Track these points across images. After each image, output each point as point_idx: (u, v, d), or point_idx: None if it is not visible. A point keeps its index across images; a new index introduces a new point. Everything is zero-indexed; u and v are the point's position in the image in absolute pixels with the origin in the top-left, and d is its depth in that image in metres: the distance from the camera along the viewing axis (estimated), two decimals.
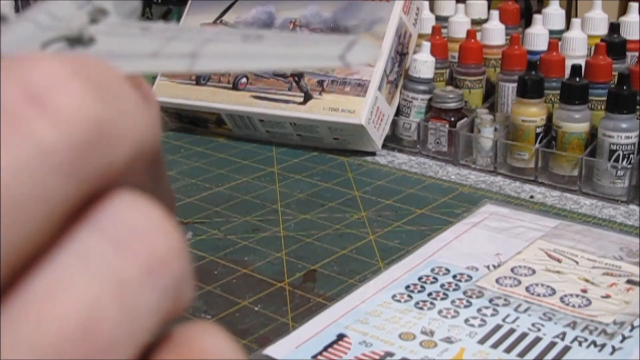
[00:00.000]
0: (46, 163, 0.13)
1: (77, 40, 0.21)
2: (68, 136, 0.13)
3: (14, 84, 0.13)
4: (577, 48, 0.95)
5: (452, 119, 0.96)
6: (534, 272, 0.66)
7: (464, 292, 0.63)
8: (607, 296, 0.63)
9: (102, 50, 0.21)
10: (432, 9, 1.11)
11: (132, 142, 0.14)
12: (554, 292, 0.63)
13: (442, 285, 0.65)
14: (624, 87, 0.83)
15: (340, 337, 0.58)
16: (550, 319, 0.59)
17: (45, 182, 0.13)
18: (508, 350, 0.56)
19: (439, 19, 1.09)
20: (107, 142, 0.14)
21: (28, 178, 0.13)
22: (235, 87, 1.03)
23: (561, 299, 0.62)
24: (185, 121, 1.08)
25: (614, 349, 0.56)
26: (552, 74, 0.90)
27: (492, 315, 0.60)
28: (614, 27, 0.97)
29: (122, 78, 0.15)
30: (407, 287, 0.65)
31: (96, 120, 0.14)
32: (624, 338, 0.57)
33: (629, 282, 0.65)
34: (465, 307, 0.61)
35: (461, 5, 1.08)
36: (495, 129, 0.93)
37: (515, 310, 0.61)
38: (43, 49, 0.20)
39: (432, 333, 0.58)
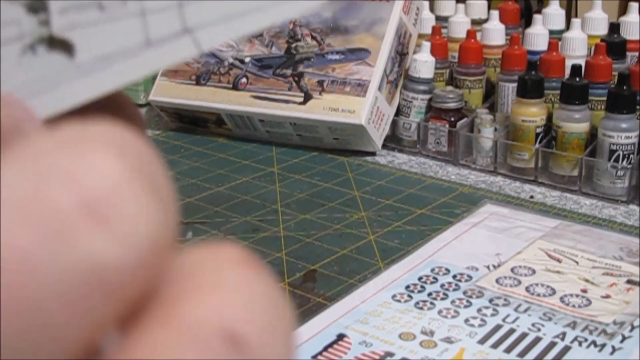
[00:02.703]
0: (94, 285, 0.11)
1: (52, 43, 0.21)
2: (128, 258, 0.11)
3: (64, 185, 0.11)
4: (577, 48, 0.95)
5: (452, 119, 0.96)
6: (534, 272, 0.66)
7: (464, 292, 0.63)
8: (607, 296, 0.63)
9: (89, 57, 0.20)
10: (432, 9, 1.11)
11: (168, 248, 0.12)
12: (554, 292, 0.63)
13: (442, 285, 0.65)
14: (624, 87, 0.83)
15: (340, 337, 0.58)
16: (550, 319, 0.59)
17: (86, 303, 0.11)
18: (508, 350, 0.56)
19: (439, 19, 1.09)
20: (159, 260, 0.12)
21: (66, 299, 0.11)
22: (235, 87, 1.03)
23: (561, 299, 0.62)
24: (185, 121, 1.08)
25: (614, 349, 0.56)
26: (552, 74, 0.90)
27: (492, 315, 0.60)
28: (614, 27, 0.97)
29: (161, 165, 0.13)
30: (407, 287, 0.65)
31: (158, 239, 0.12)
32: (624, 338, 0.57)
33: (629, 282, 0.65)
34: (465, 307, 0.61)
35: (461, 5, 1.08)
36: (495, 129, 0.93)
37: (515, 310, 0.61)
38: (24, 59, 0.20)
39: (432, 333, 0.58)
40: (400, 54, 1.02)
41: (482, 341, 0.57)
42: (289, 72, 1.01)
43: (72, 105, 0.20)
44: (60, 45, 0.21)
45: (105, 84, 0.20)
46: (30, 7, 0.21)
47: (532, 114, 0.89)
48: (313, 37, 1.02)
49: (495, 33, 1.01)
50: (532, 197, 0.85)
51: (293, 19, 1.00)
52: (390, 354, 0.55)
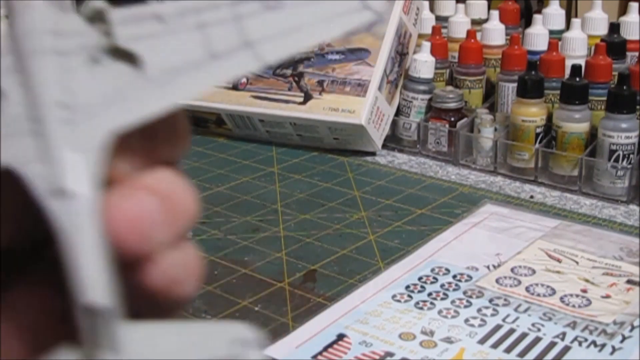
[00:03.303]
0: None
1: (117, 53, 0.21)
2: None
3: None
4: (577, 48, 0.95)
5: (452, 119, 0.96)
6: (534, 272, 0.66)
7: (464, 292, 0.63)
8: (607, 296, 0.63)
9: (157, 69, 0.21)
10: (432, 9, 1.11)
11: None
12: (554, 292, 0.63)
13: (442, 285, 0.65)
14: (624, 87, 0.83)
15: (340, 337, 0.58)
16: (550, 319, 0.59)
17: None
18: (508, 350, 0.56)
19: (439, 19, 1.09)
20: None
21: None
22: (235, 87, 1.03)
23: (561, 299, 0.62)
24: None
25: (614, 349, 0.56)
26: (552, 74, 0.90)
27: (492, 315, 0.60)
28: (614, 27, 0.97)
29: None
30: (407, 287, 0.65)
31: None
32: (624, 338, 0.57)
33: (629, 282, 0.65)
34: (465, 307, 0.61)
35: (461, 5, 1.08)
36: (495, 129, 0.93)
37: (515, 310, 0.61)
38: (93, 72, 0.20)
39: (432, 333, 0.58)
40: (400, 54, 1.02)
41: (482, 341, 0.57)
42: (289, 72, 1.01)
43: (144, 118, 0.20)
44: (126, 56, 0.21)
45: (173, 97, 0.20)
46: (91, 17, 0.21)
47: (532, 114, 0.89)
48: None
49: (495, 33, 1.01)
50: (532, 197, 0.85)
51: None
52: (390, 354, 0.55)
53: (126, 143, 0.20)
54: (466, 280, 0.65)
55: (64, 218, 0.19)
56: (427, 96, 0.99)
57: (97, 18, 0.21)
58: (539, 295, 0.63)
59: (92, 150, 0.19)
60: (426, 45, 1.00)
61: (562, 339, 0.57)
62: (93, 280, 0.18)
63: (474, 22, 1.07)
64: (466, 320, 0.59)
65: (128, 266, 0.19)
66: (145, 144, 0.21)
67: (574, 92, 0.85)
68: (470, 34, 0.99)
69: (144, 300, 0.20)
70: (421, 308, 0.61)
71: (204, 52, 0.21)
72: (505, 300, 0.62)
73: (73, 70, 0.20)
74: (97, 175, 0.19)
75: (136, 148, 0.20)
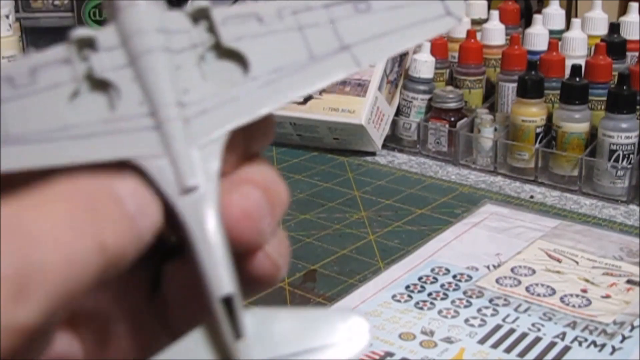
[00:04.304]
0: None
1: (222, 52, 0.22)
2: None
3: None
4: (577, 48, 0.95)
5: (452, 119, 0.96)
6: (534, 272, 0.66)
7: (464, 292, 0.63)
8: (607, 296, 0.63)
9: (262, 69, 0.21)
10: None
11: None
12: (554, 292, 0.63)
13: (442, 285, 0.65)
14: (624, 87, 0.83)
15: None
16: (550, 319, 0.59)
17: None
18: (508, 350, 0.56)
19: None
20: None
21: None
22: None
23: (561, 299, 0.62)
24: None
25: (614, 349, 0.56)
26: (552, 74, 0.90)
27: (492, 315, 0.60)
28: (614, 27, 0.97)
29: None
30: (407, 287, 0.65)
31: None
32: (624, 338, 0.57)
33: (629, 282, 0.65)
34: (465, 307, 0.61)
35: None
36: (495, 129, 0.93)
37: (515, 310, 0.61)
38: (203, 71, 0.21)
39: (432, 333, 0.58)
40: (400, 54, 1.02)
41: (482, 341, 0.57)
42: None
43: (255, 117, 0.21)
44: (232, 55, 0.22)
45: (280, 98, 0.21)
46: (195, 16, 0.22)
47: (532, 114, 0.89)
48: None
49: (495, 33, 1.01)
50: (532, 197, 0.85)
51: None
52: (390, 354, 0.55)
53: (231, 138, 0.21)
54: (466, 280, 0.65)
55: (189, 211, 0.20)
56: (427, 96, 0.99)
57: (201, 16, 0.22)
58: (539, 295, 0.63)
59: (210, 146, 0.20)
60: (426, 45, 1.00)
61: (562, 339, 0.57)
62: (223, 271, 0.19)
63: (474, 22, 1.07)
64: (466, 320, 0.59)
65: (240, 255, 0.21)
66: (245, 138, 0.22)
67: (574, 92, 0.85)
68: (470, 34, 0.99)
69: (250, 286, 0.21)
70: (421, 308, 0.61)
71: (305, 54, 0.22)
72: (505, 300, 0.62)
73: (183, 68, 0.21)
74: (215, 171, 0.20)
75: (238, 143, 0.22)
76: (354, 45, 0.22)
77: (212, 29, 0.22)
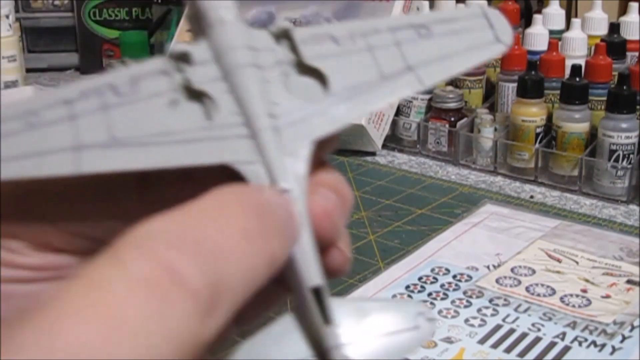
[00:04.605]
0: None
1: (303, 69, 0.24)
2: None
3: None
4: (577, 48, 0.95)
5: (452, 119, 0.96)
6: (534, 272, 0.66)
7: (464, 292, 0.63)
8: (607, 296, 0.63)
9: (340, 86, 0.24)
10: (432, 9, 1.11)
11: None
12: (554, 292, 0.63)
13: (442, 285, 0.65)
14: (624, 87, 0.83)
15: None
16: (550, 319, 0.59)
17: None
18: (508, 350, 0.56)
19: None
20: None
21: None
22: None
23: (561, 299, 0.62)
24: None
25: (614, 349, 0.56)
26: (552, 74, 0.90)
27: (492, 315, 0.60)
28: (614, 27, 0.97)
29: None
30: (407, 287, 0.65)
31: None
32: (624, 338, 0.57)
33: (629, 282, 0.65)
34: (465, 307, 0.61)
35: (461, 5, 1.08)
36: (495, 129, 0.93)
37: (515, 310, 0.61)
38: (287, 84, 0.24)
39: (432, 333, 0.58)
40: None
41: (482, 341, 0.57)
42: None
43: (336, 129, 0.23)
44: (313, 73, 0.24)
45: (357, 112, 0.24)
46: (277, 35, 0.24)
47: (532, 114, 0.89)
48: None
49: None
50: (532, 197, 0.85)
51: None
52: None
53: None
54: (466, 280, 0.65)
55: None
56: (427, 96, 0.99)
57: (283, 36, 0.24)
58: (539, 295, 0.63)
59: (299, 154, 0.22)
60: None
61: (562, 339, 0.57)
62: (313, 264, 0.22)
63: None
64: (466, 320, 0.59)
65: (320, 251, 0.23)
66: (318, 146, 0.24)
67: (574, 92, 0.85)
68: None
69: (325, 277, 0.23)
70: None
71: (376, 73, 0.24)
72: (505, 300, 0.62)
73: (270, 83, 0.23)
74: (303, 175, 0.22)
75: (314, 150, 0.24)
76: (417, 67, 0.24)
77: (293, 48, 0.24)
